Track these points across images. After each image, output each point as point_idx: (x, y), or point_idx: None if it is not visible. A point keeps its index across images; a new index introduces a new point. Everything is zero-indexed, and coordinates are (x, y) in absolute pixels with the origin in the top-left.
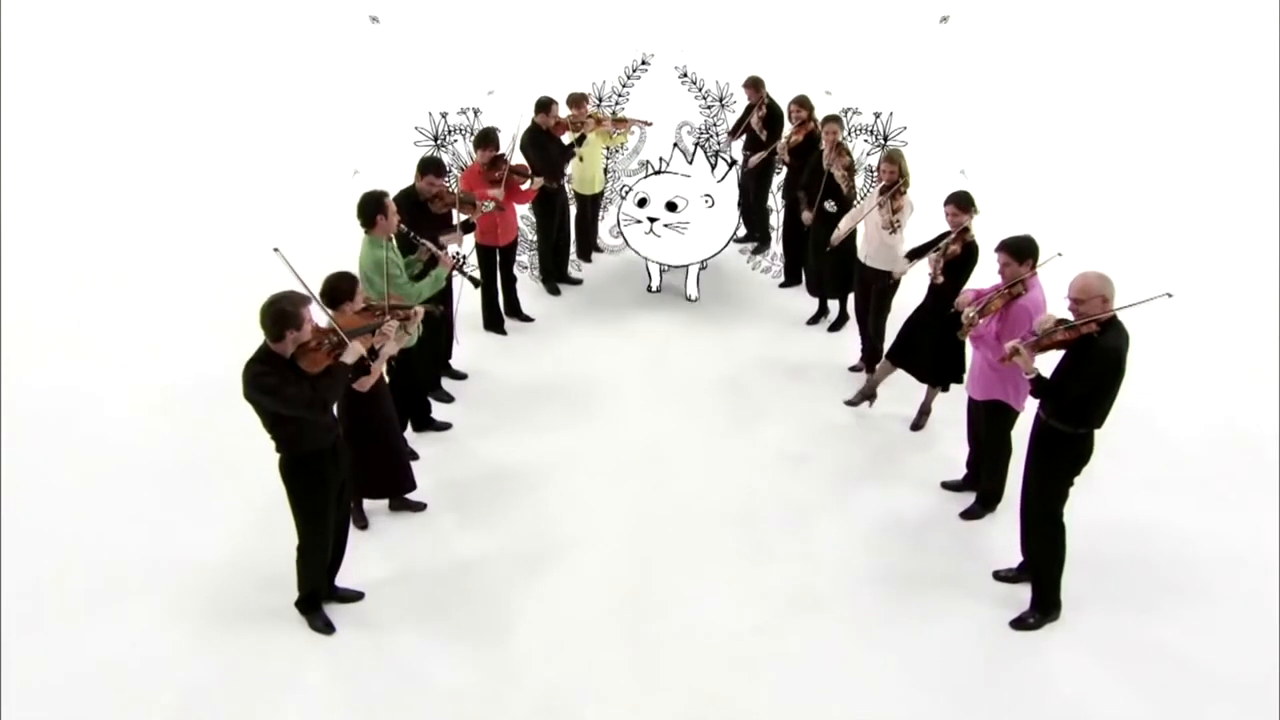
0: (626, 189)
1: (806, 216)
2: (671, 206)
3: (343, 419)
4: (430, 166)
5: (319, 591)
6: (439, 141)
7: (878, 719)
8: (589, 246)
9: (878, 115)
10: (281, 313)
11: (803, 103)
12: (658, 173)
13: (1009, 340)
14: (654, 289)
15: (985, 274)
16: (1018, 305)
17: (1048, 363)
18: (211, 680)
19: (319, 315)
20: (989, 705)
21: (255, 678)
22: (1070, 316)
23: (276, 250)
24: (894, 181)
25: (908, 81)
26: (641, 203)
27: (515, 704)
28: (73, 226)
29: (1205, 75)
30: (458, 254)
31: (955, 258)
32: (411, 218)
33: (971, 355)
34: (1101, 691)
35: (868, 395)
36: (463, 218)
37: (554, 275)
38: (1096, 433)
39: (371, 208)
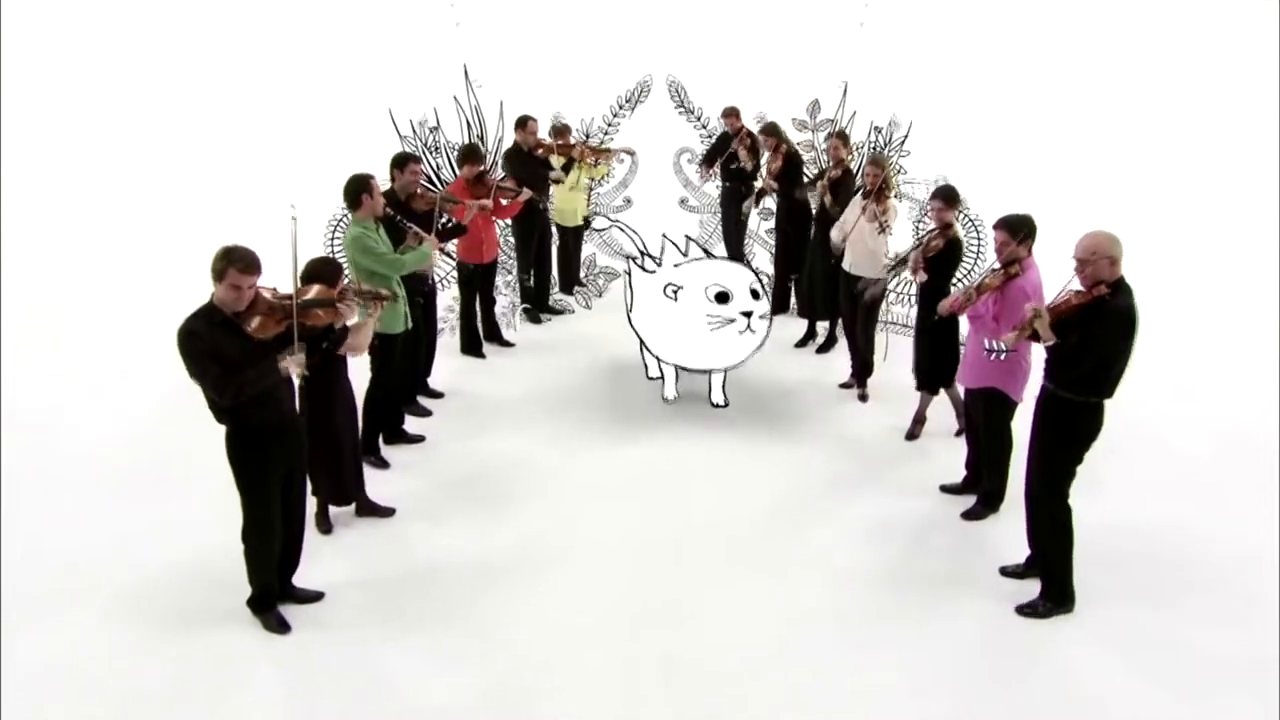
0: (675, 289)
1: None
2: (755, 295)
3: (302, 413)
4: (405, 159)
5: (271, 590)
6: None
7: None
8: (572, 280)
9: (879, 130)
10: (215, 257)
11: (771, 130)
12: (691, 258)
13: (1007, 321)
14: (672, 398)
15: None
16: (1014, 285)
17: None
18: (158, 680)
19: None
20: (1010, 701)
21: (204, 677)
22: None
23: (293, 216)
24: (876, 186)
25: (905, 88)
26: (722, 298)
27: (475, 711)
28: (51, 232)
29: (1205, 76)
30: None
31: (938, 252)
32: (388, 222)
33: (966, 341)
34: (1122, 686)
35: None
36: (446, 219)
37: (536, 304)
38: (1100, 440)
39: (357, 187)
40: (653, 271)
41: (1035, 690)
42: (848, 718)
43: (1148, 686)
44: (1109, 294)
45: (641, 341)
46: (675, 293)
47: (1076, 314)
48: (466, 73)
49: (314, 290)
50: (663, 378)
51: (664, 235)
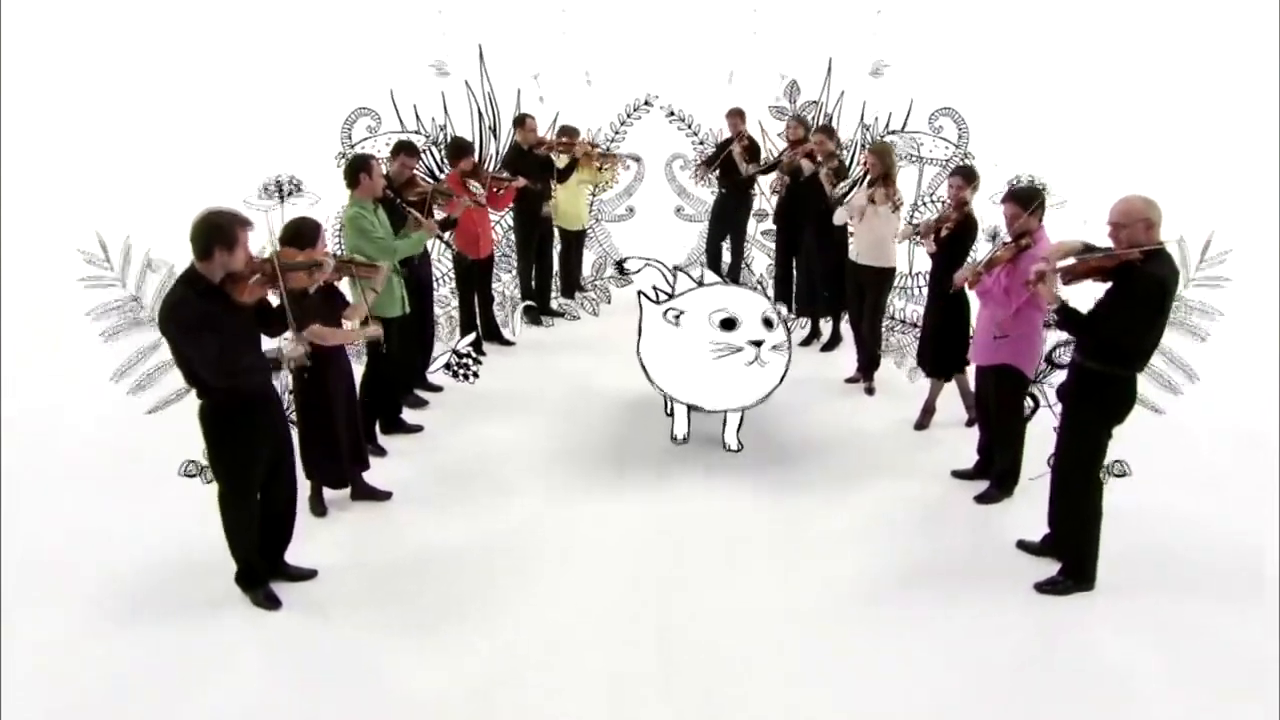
0: (676, 313)
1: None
2: (769, 323)
3: (295, 393)
4: (402, 148)
5: (255, 564)
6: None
7: (919, 710)
8: (573, 285)
9: (868, 127)
10: (214, 226)
11: (801, 120)
12: (700, 284)
13: (1017, 296)
14: (681, 437)
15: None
16: (1026, 257)
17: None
18: (152, 663)
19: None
20: (1014, 693)
21: (198, 660)
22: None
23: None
24: (877, 175)
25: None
26: (728, 324)
27: (457, 696)
28: (51, 233)
29: (1208, 73)
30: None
31: (952, 230)
32: (388, 205)
33: (976, 318)
34: (1127, 678)
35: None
36: (440, 213)
37: (537, 303)
38: (1116, 430)
39: (357, 166)
40: (660, 301)
41: (1046, 681)
42: (852, 714)
43: (1151, 682)
44: (1141, 259)
45: (648, 377)
46: (676, 318)
47: (1099, 276)
48: (481, 54)
49: (294, 252)
50: (673, 415)
51: (675, 267)
